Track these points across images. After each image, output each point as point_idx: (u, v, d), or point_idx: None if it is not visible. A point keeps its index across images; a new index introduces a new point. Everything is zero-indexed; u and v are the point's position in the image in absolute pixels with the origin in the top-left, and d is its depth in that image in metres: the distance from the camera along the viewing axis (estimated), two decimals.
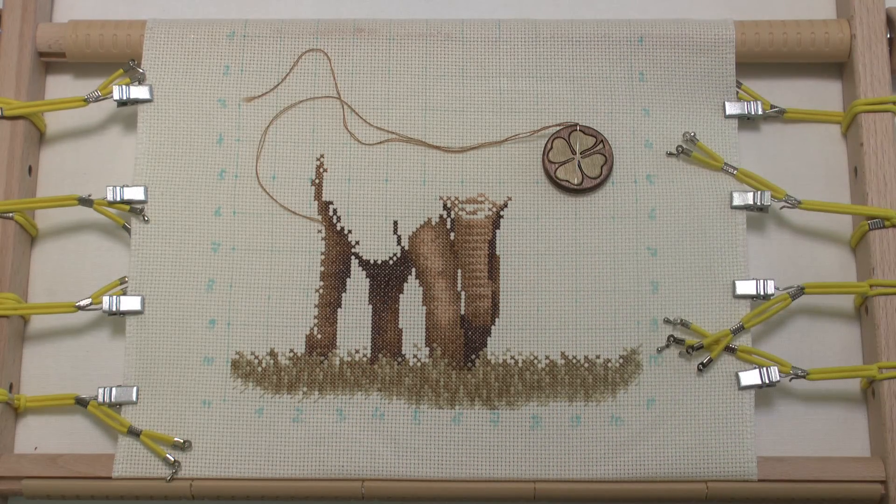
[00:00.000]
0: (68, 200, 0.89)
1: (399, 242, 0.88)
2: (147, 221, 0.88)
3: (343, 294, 0.87)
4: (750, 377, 0.85)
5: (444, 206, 0.89)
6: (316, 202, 0.89)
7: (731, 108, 0.91)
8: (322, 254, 0.88)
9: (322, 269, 0.88)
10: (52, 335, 0.90)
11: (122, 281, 0.88)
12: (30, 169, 0.92)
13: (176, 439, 0.84)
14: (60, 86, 0.95)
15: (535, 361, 0.86)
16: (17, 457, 0.85)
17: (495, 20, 0.92)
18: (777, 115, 0.92)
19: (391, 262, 0.88)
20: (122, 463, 0.84)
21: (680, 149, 0.89)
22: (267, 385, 0.85)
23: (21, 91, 0.91)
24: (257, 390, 0.85)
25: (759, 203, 0.88)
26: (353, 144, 0.90)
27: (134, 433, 0.84)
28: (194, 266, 0.88)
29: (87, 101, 0.91)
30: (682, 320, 0.86)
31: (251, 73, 0.91)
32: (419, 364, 0.86)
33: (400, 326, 0.87)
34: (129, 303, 0.87)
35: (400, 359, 0.86)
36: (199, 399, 0.85)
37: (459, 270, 0.88)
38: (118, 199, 0.88)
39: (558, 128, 0.90)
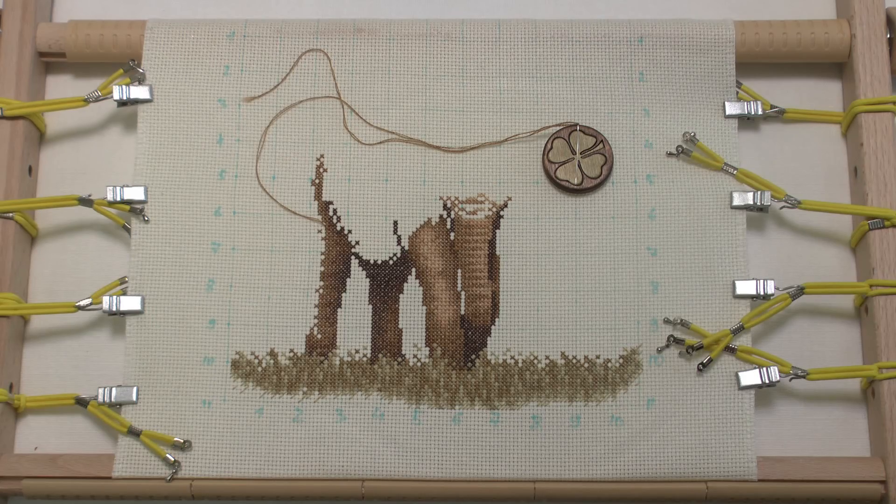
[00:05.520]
0: (68, 200, 0.89)
1: (399, 242, 0.88)
2: (147, 221, 0.88)
3: (343, 294, 0.87)
4: (750, 377, 0.85)
5: (444, 206, 0.89)
6: (316, 202, 0.89)
7: (731, 108, 0.91)
8: (322, 254, 0.88)
9: (322, 269, 0.88)
10: (52, 335, 0.90)
11: (122, 281, 0.88)
12: (30, 169, 0.92)
13: (176, 439, 0.84)
14: (60, 86, 0.95)
15: (535, 361, 0.86)
16: (17, 457, 0.85)
17: (495, 20, 0.92)
18: (777, 115, 0.92)
19: (391, 262, 0.88)
20: (122, 463, 0.84)
21: (680, 149, 0.89)
22: (267, 385, 0.86)
23: (21, 91, 0.91)
24: (257, 390, 0.85)
25: (759, 203, 0.88)
26: (353, 144, 0.90)
27: (134, 433, 0.84)
28: (194, 266, 0.88)
29: (87, 101, 0.91)
30: (682, 320, 0.86)
31: (251, 73, 0.91)
32: (419, 364, 0.86)
33: (400, 326, 0.87)
34: (129, 303, 0.87)
35: (400, 359, 0.86)
36: (199, 399, 0.85)
37: (459, 270, 0.88)
38: (118, 199, 0.88)
39: (558, 128, 0.90)
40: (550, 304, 0.87)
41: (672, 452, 0.83)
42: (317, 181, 0.89)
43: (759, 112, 0.91)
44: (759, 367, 0.85)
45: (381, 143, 0.90)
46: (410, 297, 0.87)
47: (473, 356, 0.86)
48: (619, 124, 0.90)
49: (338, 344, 0.86)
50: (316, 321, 0.87)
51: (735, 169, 0.89)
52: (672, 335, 0.86)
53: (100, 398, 0.85)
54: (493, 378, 0.85)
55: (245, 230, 0.88)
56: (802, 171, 0.92)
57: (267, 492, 0.84)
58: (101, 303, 0.87)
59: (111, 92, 0.91)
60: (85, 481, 0.83)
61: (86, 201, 0.89)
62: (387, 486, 0.83)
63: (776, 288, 0.86)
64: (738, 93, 0.91)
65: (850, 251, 0.91)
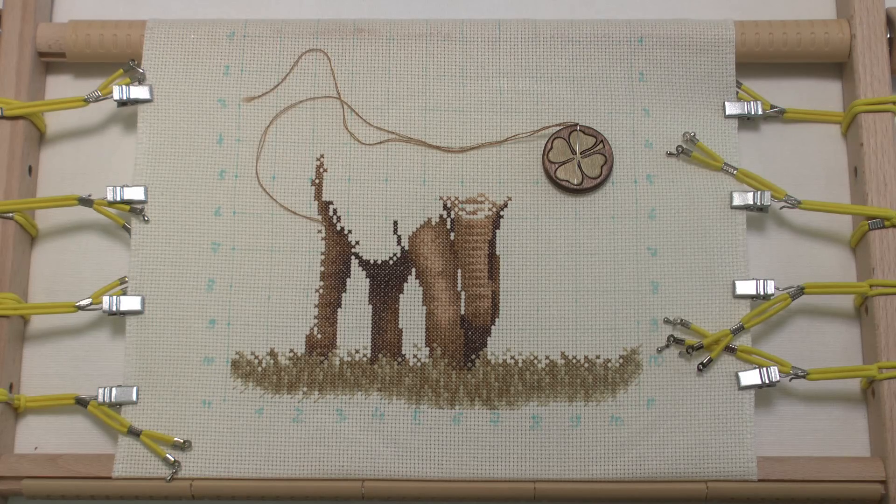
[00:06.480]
0: (68, 200, 0.89)
1: (399, 242, 0.88)
2: (147, 221, 0.88)
3: (343, 294, 0.87)
4: (750, 377, 0.85)
5: (444, 206, 0.89)
6: (316, 202, 0.89)
7: (731, 108, 0.91)
8: (322, 254, 0.88)
9: (322, 269, 0.88)
10: (52, 335, 0.90)
11: (122, 281, 0.88)
12: (30, 169, 0.92)
13: (176, 439, 0.84)
14: (60, 86, 0.95)
15: (535, 361, 0.86)
16: (17, 457, 0.85)
17: (495, 20, 0.92)
18: (777, 115, 0.92)
19: (391, 262, 0.88)
20: (122, 463, 0.84)
21: (680, 149, 0.89)
22: (267, 385, 0.86)
23: (21, 91, 0.91)
24: (257, 390, 0.85)
25: (759, 203, 0.88)
26: (353, 144, 0.90)
27: (134, 433, 0.84)
28: (194, 266, 0.88)
29: (87, 101, 0.91)
30: (682, 320, 0.86)
31: (251, 73, 0.91)
32: (419, 364, 0.86)
33: (400, 326, 0.87)
34: (129, 303, 0.87)
35: (400, 359, 0.86)
36: (199, 399, 0.85)
37: (459, 270, 0.88)
38: (118, 199, 0.88)
39: (558, 128, 0.90)
40: (550, 304, 0.87)
41: (672, 452, 0.83)
42: (317, 181, 0.89)
43: (759, 112, 0.91)
44: (759, 367, 0.85)
45: (381, 143, 0.90)
46: (410, 297, 0.87)
47: (473, 356, 0.86)
48: (619, 124, 0.90)
49: (338, 344, 0.86)
50: (316, 321, 0.87)
51: (735, 169, 0.89)
52: (672, 335, 0.86)
53: (100, 398, 0.85)
54: (493, 378, 0.85)
55: (245, 230, 0.88)
56: (802, 171, 0.92)
57: (267, 492, 0.84)
58: (101, 303, 0.87)
59: (111, 92, 0.91)
60: (85, 481, 0.83)
61: (86, 201, 0.89)
62: (387, 486, 0.83)
63: (776, 288, 0.86)
64: (738, 93, 0.91)
65: (850, 251, 0.91)
